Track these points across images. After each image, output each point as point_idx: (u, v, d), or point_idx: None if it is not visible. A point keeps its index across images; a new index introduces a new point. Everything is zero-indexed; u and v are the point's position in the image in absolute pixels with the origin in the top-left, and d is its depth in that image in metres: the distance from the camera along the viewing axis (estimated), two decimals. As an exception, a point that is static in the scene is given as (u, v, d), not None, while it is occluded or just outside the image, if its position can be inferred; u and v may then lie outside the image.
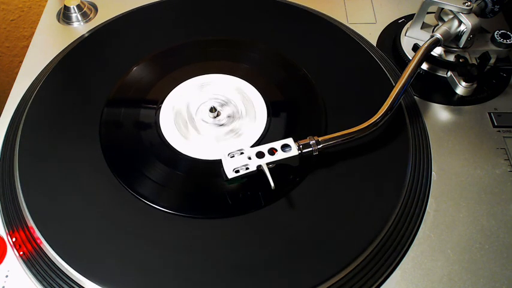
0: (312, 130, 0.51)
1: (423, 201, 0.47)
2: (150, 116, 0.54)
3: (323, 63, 0.59)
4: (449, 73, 0.57)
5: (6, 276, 0.43)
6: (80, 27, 0.67)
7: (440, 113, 0.55)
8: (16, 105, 0.57)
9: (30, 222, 0.45)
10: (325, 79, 0.57)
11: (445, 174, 0.50)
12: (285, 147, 0.46)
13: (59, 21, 0.68)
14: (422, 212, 0.47)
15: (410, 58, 0.53)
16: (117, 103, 0.55)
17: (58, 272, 0.43)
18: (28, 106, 0.55)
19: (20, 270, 0.44)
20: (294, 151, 0.46)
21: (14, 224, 0.46)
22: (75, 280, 0.42)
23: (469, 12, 0.54)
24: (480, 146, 0.52)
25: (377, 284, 0.42)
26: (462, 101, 0.56)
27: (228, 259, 0.43)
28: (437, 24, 0.59)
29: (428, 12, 0.58)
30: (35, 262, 0.44)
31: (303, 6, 0.68)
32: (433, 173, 0.50)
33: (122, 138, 0.52)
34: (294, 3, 0.68)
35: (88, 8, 0.69)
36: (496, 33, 0.57)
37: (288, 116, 0.54)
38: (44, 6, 0.71)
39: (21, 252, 0.45)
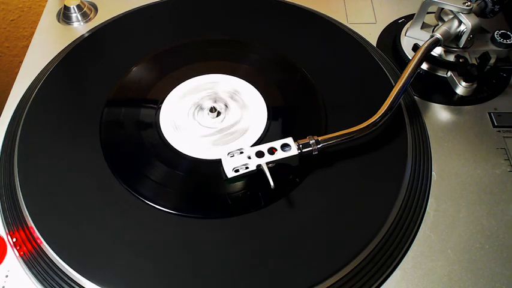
0: (311, 130, 0.51)
1: (423, 201, 0.47)
2: (150, 116, 0.54)
3: (323, 63, 0.59)
4: (449, 73, 0.57)
5: (6, 276, 0.43)
6: (80, 27, 0.67)
7: (440, 113, 0.55)
8: (16, 105, 0.57)
9: (30, 222, 0.45)
10: (325, 79, 0.57)
11: (445, 174, 0.50)
12: (284, 146, 0.46)
13: (59, 21, 0.68)
14: (422, 212, 0.47)
15: (410, 58, 0.53)
16: (117, 103, 0.55)
17: (58, 272, 0.43)
18: (28, 106, 0.55)
19: (20, 270, 0.44)
20: (293, 150, 0.46)
21: (14, 224, 0.46)
22: (75, 280, 0.42)
23: (469, 12, 0.54)
24: (480, 146, 0.52)
25: (377, 284, 0.42)
26: (462, 101, 0.56)
27: (228, 259, 0.43)
28: (437, 24, 0.59)
29: (428, 12, 0.58)
30: (35, 262, 0.44)
31: (303, 6, 0.68)
32: (433, 173, 0.50)
33: (122, 138, 0.52)
34: (294, 3, 0.68)
35: (88, 8, 0.69)
36: (496, 33, 0.57)
37: (288, 115, 0.54)
38: (44, 6, 0.71)
39: (21, 252, 0.45)
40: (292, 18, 0.65)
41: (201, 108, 0.55)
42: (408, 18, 0.65)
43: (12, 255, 0.45)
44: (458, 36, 0.56)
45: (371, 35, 0.64)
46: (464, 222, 0.46)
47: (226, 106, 0.55)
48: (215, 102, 0.55)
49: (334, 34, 0.63)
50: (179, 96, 0.56)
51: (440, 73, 0.57)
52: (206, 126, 0.53)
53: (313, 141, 0.46)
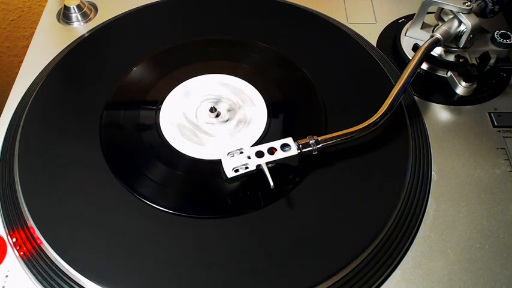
0: (311, 130, 0.51)
1: (423, 201, 0.47)
2: (150, 116, 0.54)
3: (323, 63, 0.59)
4: (449, 73, 0.57)
5: (6, 276, 0.43)
6: (80, 27, 0.67)
7: (440, 113, 0.55)
8: (16, 105, 0.57)
9: (30, 222, 0.45)
10: (325, 79, 0.57)
11: (445, 174, 0.50)
12: (284, 146, 0.46)
13: (59, 21, 0.68)
14: (422, 212, 0.47)
15: (410, 58, 0.53)
16: (117, 103, 0.55)
17: (58, 272, 0.43)
18: (28, 106, 0.55)
19: (20, 270, 0.44)
20: (293, 150, 0.46)
21: (14, 224, 0.46)
22: (75, 280, 0.42)
23: (469, 12, 0.54)
24: (480, 146, 0.52)
25: (377, 284, 0.42)
26: (462, 101, 0.56)
27: (228, 259, 0.43)
28: (437, 24, 0.59)
29: (428, 12, 0.58)
30: (35, 262, 0.44)
31: (303, 6, 0.68)
32: (433, 173, 0.50)
33: (122, 138, 0.52)
34: (294, 3, 0.68)
35: (88, 8, 0.69)
36: (496, 33, 0.57)
37: (288, 115, 0.54)
38: (44, 6, 0.71)
39: (21, 253, 0.45)
40: (292, 18, 0.65)
41: (201, 109, 0.55)
42: (408, 18, 0.65)
43: (12, 255, 0.45)
44: (458, 36, 0.56)
45: (371, 35, 0.64)
46: (464, 222, 0.46)
47: (226, 106, 0.55)
48: (215, 102, 0.55)
49: (334, 34, 0.63)
50: (179, 96, 0.56)
51: (440, 73, 0.57)
52: (206, 126, 0.53)
53: (313, 141, 0.46)
